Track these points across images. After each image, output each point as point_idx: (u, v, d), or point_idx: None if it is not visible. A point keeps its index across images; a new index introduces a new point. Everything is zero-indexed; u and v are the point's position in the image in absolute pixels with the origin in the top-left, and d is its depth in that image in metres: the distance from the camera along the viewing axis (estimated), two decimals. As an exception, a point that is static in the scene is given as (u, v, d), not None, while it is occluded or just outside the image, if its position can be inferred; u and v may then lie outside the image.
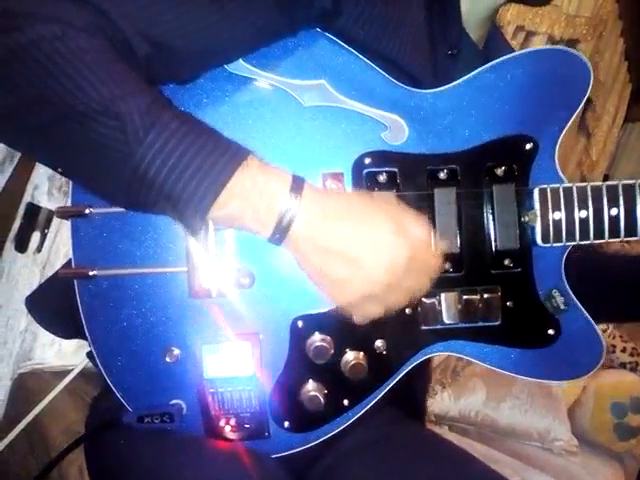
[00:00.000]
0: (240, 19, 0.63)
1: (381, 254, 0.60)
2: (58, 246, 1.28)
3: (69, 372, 1.15)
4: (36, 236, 1.25)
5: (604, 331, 2.47)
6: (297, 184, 0.60)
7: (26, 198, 1.25)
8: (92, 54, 0.54)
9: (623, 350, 2.50)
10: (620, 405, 2.21)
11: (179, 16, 0.60)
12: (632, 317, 0.95)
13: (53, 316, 0.83)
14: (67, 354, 1.28)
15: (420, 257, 0.63)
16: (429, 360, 0.95)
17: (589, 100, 2.80)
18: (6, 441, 1.08)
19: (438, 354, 0.77)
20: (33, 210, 1.25)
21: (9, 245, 1.25)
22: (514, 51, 0.94)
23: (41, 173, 1.25)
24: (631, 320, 1.20)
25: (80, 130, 0.54)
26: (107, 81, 0.54)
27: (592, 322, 0.76)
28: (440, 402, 2.02)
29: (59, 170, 0.61)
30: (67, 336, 0.88)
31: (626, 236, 0.74)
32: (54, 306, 0.82)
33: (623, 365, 2.49)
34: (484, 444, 1.93)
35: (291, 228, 0.59)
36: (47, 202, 1.26)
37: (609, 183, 0.74)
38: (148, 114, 0.54)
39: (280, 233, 0.60)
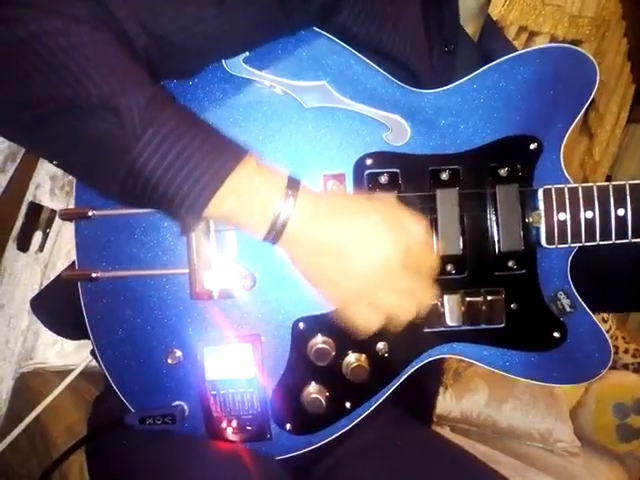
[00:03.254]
0: (238, 13, 0.62)
1: (375, 250, 0.60)
2: (60, 245, 1.27)
3: (71, 372, 1.15)
4: (38, 235, 1.25)
5: (607, 332, 2.45)
6: (293, 184, 0.60)
7: (28, 197, 1.24)
8: (94, 49, 0.54)
9: (626, 351, 2.49)
10: (622, 406, 2.20)
11: (178, 9, 0.60)
12: (631, 307, 0.95)
13: (58, 317, 0.84)
14: (69, 353, 1.28)
15: (417, 256, 0.62)
16: (440, 362, 0.94)
17: (592, 100, 2.79)
18: (8, 440, 1.08)
19: (441, 357, 0.76)
20: (35, 209, 1.24)
21: (11, 244, 1.25)
22: (510, 43, 0.94)
23: (43, 172, 1.25)
24: (630, 310, 1.20)
25: (79, 124, 0.55)
26: (107, 76, 0.54)
27: (599, 325, 0.75)
28: (442, 402, 2.02)
29: (54, 162, 0.60)
30: (72, 337, 0.89)
31: (634, 237, 0.73)
32: (58, 307, 0.82)
33: (626, 366, 2.48)
34: (486, 445, 1.92)
35: (286, 228, 0.59)
36: (49, 201, 1.25)
37: (615, 183, 0.73)
38: (147, 111, 0.54)
39: (275, 233, 0.59)
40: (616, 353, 2.49)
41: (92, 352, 0.75)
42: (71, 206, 0.71)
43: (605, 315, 2.36)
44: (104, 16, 0.56)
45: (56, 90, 0.53)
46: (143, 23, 0.58)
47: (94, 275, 0.70)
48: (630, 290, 0.88)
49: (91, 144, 0.56)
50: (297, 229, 0.59)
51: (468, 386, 2.06)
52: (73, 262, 0.72)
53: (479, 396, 2.04)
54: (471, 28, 0.86)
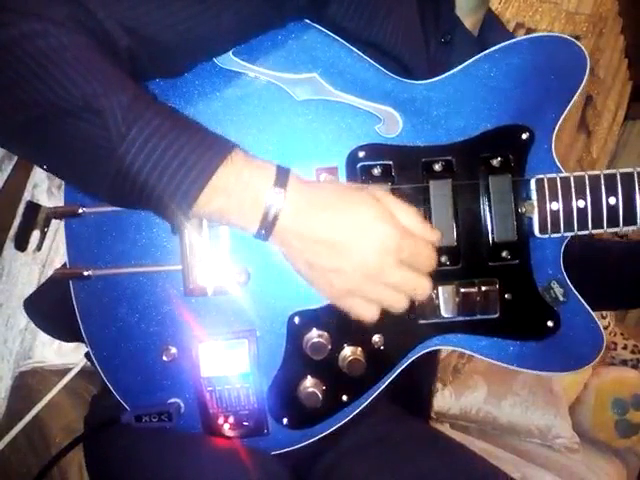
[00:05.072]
0: (224, 8, 0.62)
1: (369, 240, 0.59)
2: (57, 244, 1.27)
3: (69, 370, 1.15)
4: (36, 234, 1.25)
5: (605, 328, 2.47)
6: (282, 176, 0.59)
7: (25, 196, 1.25)
8: (74, 51, 0.54)
9: (624, 347, 2.50)
10: (621, 402, 2.20)
11: (161, 7, 0.59)
12: (630, 304, 0.95)
13: (51, 319, 0.83)
14: (67, 352, 1.28)
15: (410, 249, 0.61)
16: (436, 358, 0.95)
17: (589, 97, 2.79)
18: (7, 439, 1.08)
19: (437, 348, 0.76)
20: (32, 208, 1.24)
21: (9, 244, 1.25)
22: (512, 36, 0.93)
23: (40, 172, 1.25)
24: (629, 307, 1.20)
25: (63, 127, 0.54)
26: (89, 78, 0.53)
27: (592, 313, 0.75)
28: (441, 399, 2.02)
29: (44, 167, 0.60)
30: (66, 339, 0.88)
31: (625, 225, 0.73)
32: (52, 308, 0.81)
33: (624, 362, 2.49)
34: (485, 441, 1.93)
35: (277, 222, 0.59)
36: (47, 200, 1.25)
37: (607, 172, 0.73)
38: (130, 110, 0.54)
39: (266, 227, 0.59)
40: (615, 349, 2.49)
41: (87, 354, 0.74)
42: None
43: (604, 311, 2.36)
44: (85, 18, 0.55)
45: (39, 93, 0.53)
46: (125, 22, 0.58)
47: (86, 273, 0.70)
48: (627, 288, 0.88)
49: (78, 147, 0.55)
50: (288, 223, 0.59)
51: (467, 383, 2.06)
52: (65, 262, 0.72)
53: (478, 393, 2.04)
54: (470, 22, 0.85)
